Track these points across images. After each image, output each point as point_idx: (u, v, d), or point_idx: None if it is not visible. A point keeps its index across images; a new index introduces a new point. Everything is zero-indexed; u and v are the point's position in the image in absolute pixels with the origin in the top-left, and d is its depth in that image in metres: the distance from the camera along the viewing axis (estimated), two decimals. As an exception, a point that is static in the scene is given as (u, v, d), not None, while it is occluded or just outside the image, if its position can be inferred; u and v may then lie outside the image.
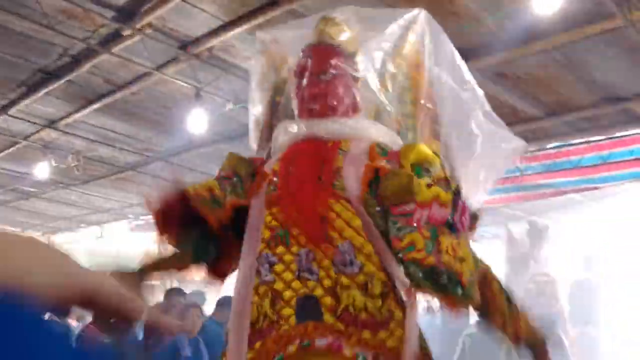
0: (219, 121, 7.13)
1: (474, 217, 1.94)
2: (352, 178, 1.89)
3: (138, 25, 5.33)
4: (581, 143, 7.51)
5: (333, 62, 2.07)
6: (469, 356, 6.81)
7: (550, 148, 7.76)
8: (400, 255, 1.75)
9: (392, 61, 2.21)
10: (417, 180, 1.81)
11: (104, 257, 19.11)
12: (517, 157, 2.52)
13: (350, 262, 1.79)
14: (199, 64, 5.97)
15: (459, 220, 1.79)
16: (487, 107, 2.30)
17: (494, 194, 8.63)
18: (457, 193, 1.84)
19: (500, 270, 9.20)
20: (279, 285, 1.83)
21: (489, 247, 11.06)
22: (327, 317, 1.76)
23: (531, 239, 9.84)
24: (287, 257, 1.85)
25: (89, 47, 5.86)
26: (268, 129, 2.34)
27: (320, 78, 2.06)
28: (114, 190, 11.49)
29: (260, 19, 5.02)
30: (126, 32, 5.47)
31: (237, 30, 5.27)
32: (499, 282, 1.94)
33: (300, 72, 2.11)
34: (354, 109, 2.10)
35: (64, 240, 17.38)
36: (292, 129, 2.11)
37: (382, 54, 2.21)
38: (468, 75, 2.32)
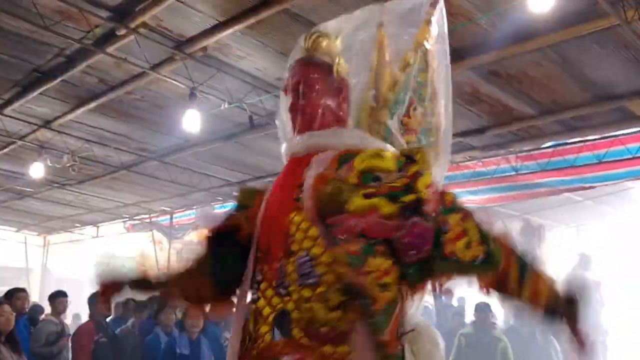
0: (214, 120, 7.13)
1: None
2: (308, 189, 1.86)
3: (132, 25, 5.33)
4: (577, 142, 7.54)
5: (310, 75, 2.04)
6: (465, 356, 6.82)
7: (546, 147, 7.78)
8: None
9: (411, 54, 2.19)
10: (352, 189, 1.74)
11: (100, 256, 19.12)
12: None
13: (309, 273, 1.77)
14: (193, 63, 5.97)
15: (402, 239, 1.66)
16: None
17: (489, 193, 8.67)
18: (412, 206, 1.70)
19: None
20: (261, 303, 1.86)
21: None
22: (295, 332, 1.75)
23: (525, 238, 9.88)
24: (269, 275, 1.87)
25: (84, 47, 5.85)
26: None
27: (300, 94, 2.04)
28: (109, 190, 11.48)
29: (253, 19, 5.03)
30: (121, 32, 5.47)
31: (231, 30, 5.28)
32: (514, 254, 1.76)
33: (285, 90, 2.12)
34: (337, 119, 2.06)
35: (60, 240, 17.38)
36: (284, 148, 2.14)
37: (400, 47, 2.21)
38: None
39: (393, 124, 2.13)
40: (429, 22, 2.22)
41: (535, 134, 7.40)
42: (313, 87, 2.03)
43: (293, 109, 2.06)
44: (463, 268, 1.69)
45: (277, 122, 2.38)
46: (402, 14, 2.27)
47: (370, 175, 1.78)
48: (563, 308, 1.76)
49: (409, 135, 2.14)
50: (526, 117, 6.92)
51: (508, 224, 10.12)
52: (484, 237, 1.69)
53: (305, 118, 2.03)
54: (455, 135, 7.56)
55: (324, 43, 2.10)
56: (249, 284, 1.95)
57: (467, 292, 10.59)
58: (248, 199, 2.16)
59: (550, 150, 7.67)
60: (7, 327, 4.65)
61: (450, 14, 4.87)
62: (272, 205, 1.97)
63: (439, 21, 2.26)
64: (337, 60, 2.09)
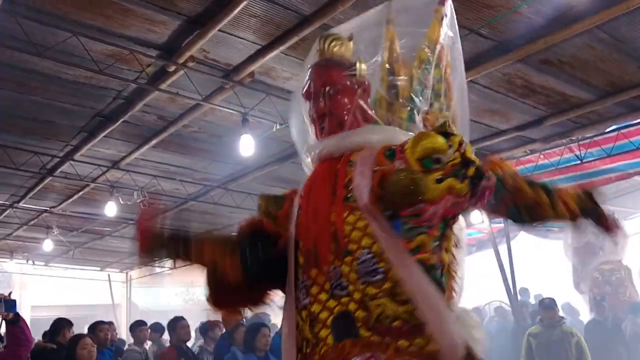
0: (268, 143, 7.28)
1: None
2: (363, 187, 1.85)
3: (181, 60, 5.53)
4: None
5: (333, 77, 2.07)
6: (538, 356, 6.57)
7: (609, 131, 7.51)
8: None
9: (423, 52, 2.21)
10: (424, 177, 1.73)
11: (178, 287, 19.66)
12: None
13: (374, 270, 1.77)
14: (242, 89, 6.13)
15: (477, 203, 1.79)
16: None
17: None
18: (476, 176, 1.74)
19: (566, 262, 8.90)
20: (315, 308, 1.85)
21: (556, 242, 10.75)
22: (363, 332, 1.74)
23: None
24: (320, 278, 1.87)
25: (139, 87, 6.12)
26: None
27: (323, 97, 2.06)
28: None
29: (294, 39, 5.13)
30: (171, 68, 5.70)
31: (275, 52, 5.40)
32: (530, 185, 1.99)
33: (306, 95, 2.14)
34: (365, 117, 2.09)
35: (141, 275, 17.98)
36: (311, 152, 2.15)
37: (412, 45, 2.23)
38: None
39: (417, 119, 2.13)
40: (440, 19, 2.23)
41: (597, 119, 7.17)
42: (338, 88, 2.06)
43: (319, 113, 2.08)
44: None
45: (292, 129, 2.43)
46: (412, 11, 2.30)
47: (430, 159, 1.76)
48: (590, 203, 2.04)
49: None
50: (585, 103, 6.72)
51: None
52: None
53: (334, 120, 2.06)
54: (512, 130, 7.48)
55: (340, 45, 2.14)
56: (293, 288, 1.95)
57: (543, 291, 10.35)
58: (272, 206, 2.22)
59: (614, 134, 7.40)
60: (89, 358, 4.82)
61: (489, 6, 4.91)
62: (314, 208, 1.97)
63: (449, 17, 2.28)
64: (357, 59, 2.13)
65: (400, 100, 2.16)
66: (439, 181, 1.72)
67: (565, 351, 6.43)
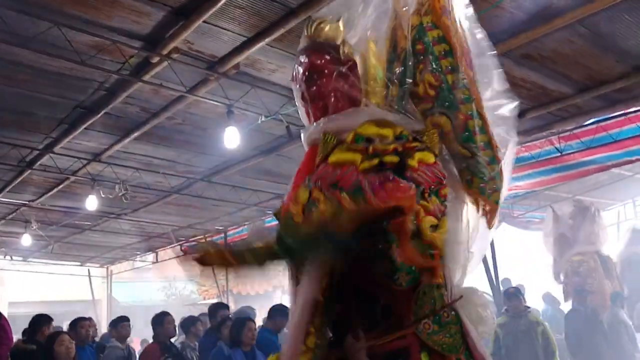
0: (254, 135, 7.28)
1: None
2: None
3: (165, 52, 5.51)
4: (619, 116, 7.35)
5: (315, 62, 2.07)
6: (505, 347, 6.62)
7: (589, 124, 7.63)
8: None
9: (414, 17, 2.13)
10: (340, 146, 1.84)
11: (160, 281, 19.54)
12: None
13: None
14: (227, 81, 6.12)
15: (368, 186, 1.70)
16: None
17: (535, 177, 8.55)
18: (387, 167, 1.77)
19: (544, 252, 9.00)
20: None
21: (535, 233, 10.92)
22: None
23: (575, 218, 9.68)
24: None
25: (122, 78, 6.08)
26: None
27: (310, 82, 2.08)
28: (163, 215, 11.78)
29: (280, 31, 5.13)
30: (155, 60, 5.67)
31: (260, 44, 5.40)
32: None
33: (294, 80, 2.16)
34: (352, 99, 2.08)
35: (122, 269, 17.87)
36: (302, 139, 2.18)
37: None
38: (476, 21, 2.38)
39: (406, 99, 2.09)
40: None
41: (576, 113, 7.26)
42: (322, 72, 2.06)
43: (305, 98, 2.10)
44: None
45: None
46: None
47: (363, 137, 1.84)
48: None
49: (425, 103, 2.07)
50: (565, 97, 6.80)
51: (559, 206, 9.97)
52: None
53: (319, 104, 2.07)
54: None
55: (327, 28, 2.13)
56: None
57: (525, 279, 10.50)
58: None
59: (593, 127, 7.52)
60: (68, 355, 4.74)
61: (472, 1, 4.93)
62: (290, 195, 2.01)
63: None
64: (341, 41, 2.12)
65: (393, 76, 2.13)
66: (349, 151, 1.84)
67: (531, 340, 6.51)
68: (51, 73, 6.02)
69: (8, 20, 4.96)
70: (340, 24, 2.18)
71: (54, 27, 5.09)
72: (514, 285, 9.08)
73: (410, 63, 2.08)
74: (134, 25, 5.25)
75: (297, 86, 2.14)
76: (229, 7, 4.94)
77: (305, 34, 2.18)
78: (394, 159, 1.78)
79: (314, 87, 2.06)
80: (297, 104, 2.26)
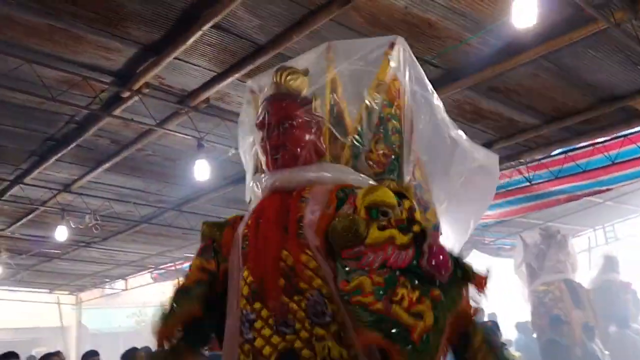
0: (223, 166, 7.26)
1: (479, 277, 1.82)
2: (312, 227, 1.88)
3: (136, 87, 5.51)
4: (587, 146, 7.51)
5: (289, 111, 2.08)
6: None
7: (557, 154, 7.76)
8: (346, 298, 1.69)
9: (372, 92, 2.21)
10: (366, 222, 1.78)
11: (130, 308, 19.27)
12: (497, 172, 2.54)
13: (322, 312, 1.80)
14: (198, 114, 6.12)
15: (427, 264, 1.70)
16: (455, 129, 2.45)
17: (505, 207, 8.65)
18: (420, 235, 1.76)
19: (516, 280, 9.00)
20: (259, 342, 1.86)
21: (507, 260, 10.97)
22: None
23: (544, 246, 9.67)
24: (264, 312, 1.88)
25: (92, 113, 6.05)
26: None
27: (279, 129, 2.07)
28: (133, 243, 11.67)
29: (249, 66, 5.17)
30: (125, 94, 5.66)
31: (229, 80, 5.42)
32: (482, 335, 1.89)
33: (260, 126, 2.14)
34: (318, 152, 2.10)
35: (92, 297, 17.58)
36: (259, 183, 2.14)
37: (360, 86, 2.24)
38: (438, 100, 2.47)
39: (360, 161, 2.15)
40: (388, 62, 2.26)
41: (543, 143, 7.40)
42: (294, 122, 2.07)
43: (273, 144, 2.08)
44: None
45: (243, 156, 2.49)
46: (359, 53, 2.30)
47: (377, 210, 1.81)
48: None
49: (377, 168, 2.15)
50: (531, 128, 6.93)
51: (529, 233, 10.02)
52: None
53: (288, 153, 2.06)
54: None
55: (295, 78, 2.15)
56: (237, 320, 1.94)
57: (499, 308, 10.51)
58: (216, 232, 2.23)
59: (561, 156, 7.65)
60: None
61: (438, 37, 5.05)
62: (264, 241, 1.96)
63: (405, 59, 2.32)
64: (312, 94, 2.15)
65: (348, 138, 2.17)
66: (382, 229, 1.76)
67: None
68: (19, 107, 5.97)
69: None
70: (307, 77, 2.20)
71: (24, 64, 5.06)
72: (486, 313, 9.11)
73: (366, 132, 2.16)
74: (104, 61, 5.25)
75: (264, 130, 2.12)
76: (200, 43, 4.96)
77: (275, 81, 2.17)
78: (417, 228, 1.79)
79: (285, 136, 2.06)
80: (257, 148, 2.23)
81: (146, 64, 5.24)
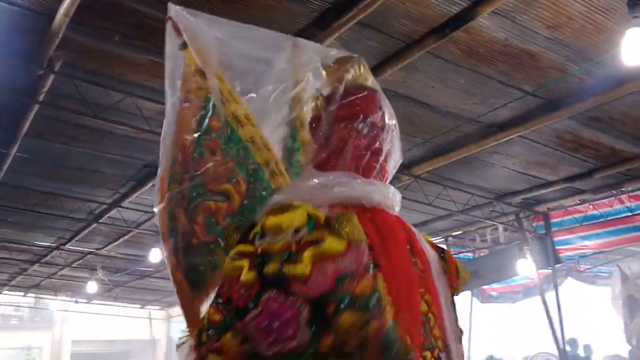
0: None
1: None
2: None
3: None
4: (693, 175, 7.05)
5: (379, 112, 1.61)
6: None
7: (659, 184, 7.34)
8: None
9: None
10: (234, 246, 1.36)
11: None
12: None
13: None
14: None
15: (250, 322, 1.20)
16: None
17: (605, 237, 8.23)
18: (270, 279, 1.23)
19: (615, 312, 8.51)
20: None
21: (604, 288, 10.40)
22: None
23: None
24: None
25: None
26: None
27: (377, 132, 1.59)
28: (222, 262, 11.90)
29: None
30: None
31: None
32: None
33: (370, 119, 1.58)
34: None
35: (179, 313, 18.12)
36: (361, 187, 1.51)
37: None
38: None
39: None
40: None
41: (647, 172, 7.03)
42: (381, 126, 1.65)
43: (379, 148, 1.59)
44: None
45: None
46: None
47: (260, 232, 1.32)
48: None
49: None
50: (634, 157, 6.60)
51: (627, 264, 9.39)
52: None
53: (381, 163, 1.60)
54: (561, 181, 7.34)
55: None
56: None
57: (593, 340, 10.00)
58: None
59: (664, 187, 7.22)
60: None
61: (539, 68, 4.88)
62: (405, 280, 1.42)
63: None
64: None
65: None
66: (238, 257, 1.33)
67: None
68: (120, 136, 6.25)
69: (82, 90, 5.18)
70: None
71: (126, 97, 5.30)
72: (581, 345, 8.71)
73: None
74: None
75: (367, 126, 1.58)
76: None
77: (361, 72, 1.67)
78: (273, 267, 1.24)
79: (380, 140, 1.60)
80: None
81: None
